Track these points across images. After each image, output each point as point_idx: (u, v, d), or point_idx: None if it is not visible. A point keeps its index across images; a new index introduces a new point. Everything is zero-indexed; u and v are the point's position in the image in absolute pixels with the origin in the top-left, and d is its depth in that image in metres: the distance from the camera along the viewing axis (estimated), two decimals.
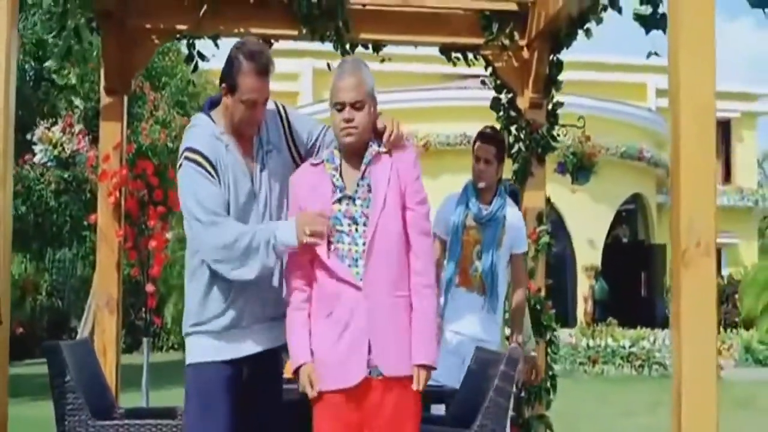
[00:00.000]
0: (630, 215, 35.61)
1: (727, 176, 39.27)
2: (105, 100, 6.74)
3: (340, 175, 3.91)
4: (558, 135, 6.96)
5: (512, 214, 6.11)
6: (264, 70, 3.96)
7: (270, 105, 4.16)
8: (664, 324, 31.79)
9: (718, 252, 37.40)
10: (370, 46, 7.09)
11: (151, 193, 7.10)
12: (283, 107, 4.28)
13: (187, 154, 3.94)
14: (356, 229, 3.86)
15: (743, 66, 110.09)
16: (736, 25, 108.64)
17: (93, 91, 14.81)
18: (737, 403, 15.90)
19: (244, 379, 4.04)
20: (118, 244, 6.68)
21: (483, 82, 7.35)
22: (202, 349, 4.02)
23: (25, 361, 20.40)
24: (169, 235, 7.23)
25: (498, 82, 7.17)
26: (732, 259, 37.78)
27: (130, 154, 7.33)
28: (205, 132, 4.01)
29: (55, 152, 6.82)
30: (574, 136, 7.31)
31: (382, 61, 7.10)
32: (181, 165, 3.96)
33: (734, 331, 27.13)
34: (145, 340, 8.55)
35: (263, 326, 4.06)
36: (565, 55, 6.96)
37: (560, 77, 6.96)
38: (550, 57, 6.85)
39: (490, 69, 7.10)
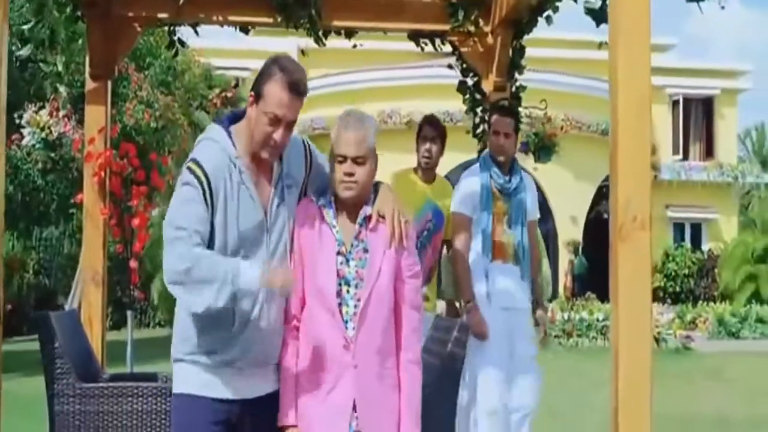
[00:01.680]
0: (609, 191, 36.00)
1: (709, 152, 39.57)
2: (90, 85, 7.07)
3: (337, 227, 3.81)
4: (521, 117, 7.32)
5: (530, 186, 6.36)
6: (296, 86, 3.64)
7: (298, 140, 3.93)
8: None
9: (699, 227, 38.03)
10: (342, 32, 7.43)
11: (134, 174, 7.44)
12: (309, 145, 4.02)
13: (189, 164, 3.64)
14: (347, 291, 3.76)
15: (729, 45, 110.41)
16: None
17: (79, 72, 15.08)
18: (707, 374, 16.37)
19: (234, 423, 3.74)
20: (103, 221, 7.02)
21: (450, 66, 7.70)
22: (192, 380, 3.74)
23: (13, 338, 20.69)
24: (155, 213, 7.58)
25: (464, 66, 7.52)
26: (712, 235, 38.14)
27: (114, 135, 7.65)
28: (218, 149, 3.68)
29: (43, 135, 7.17)
30: (536, 118, 7.67)
31: (354, 46, 7.47)
32: (183, 171, 3.69)
33: (713, 304, 27.58)
34: (129, 313, 8.92)
35: (264, 370, 3.79)
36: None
37: (523, 61, 7.31)
38: (513, 43, 7.19)
39: (456, 54, 7.46)
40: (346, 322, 3.74)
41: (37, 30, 6.55)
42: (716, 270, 34.92)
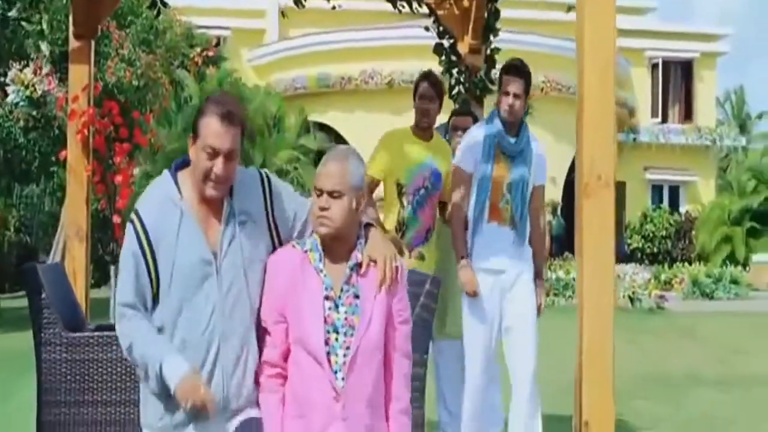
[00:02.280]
0: None
1: (687, 115, 39.81)
2: (73, 44, 7.18)
3: (325, 271, 3.63)
4: (494, 80, 7.49)
5: (536, 146, 6.15)
6: (228, 116, 3.56)
7: (252, 173, 3.82)
8: (625, 260, 32.67)
9: (677, 189, 38.29)
10: None
11: (117, 131, 7.57)
12: (267, 176, 3.85)
13: (131, 216, 3.65)
14: (336, 338, 3.57)
15: (711, 8, 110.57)
16: None
17: (60, 30, 15.11)
18: (680, 333, 16.65)
19: None
20: (86, 178, 7.17)
21: (426, 29, 7.86)
22: None
23: None
24: (136, 171, 7.74)
25: (440, 28, 7.69)
26: (690, 197, 38.53)
27: (96, 93, 7.78)
28: (158, 193, 3.68)
29: (27, 93, 7.26)
30: None
31: (333, 8, 7.61)
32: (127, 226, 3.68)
33: (688, 265, 27.92)
34: (112, 267, 9.10)
35: (227, 417, 3.66)
36: None
37: (499, 24, 7.48)
38: (488, 6, 7.36)
39: (432, 16, 7.61)
40: (335, 372, 3.54)
41: None
42: (693, 232, 35.30)
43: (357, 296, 3.61)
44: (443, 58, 7.72)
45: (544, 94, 29.03)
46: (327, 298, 3.59)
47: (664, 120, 39.53)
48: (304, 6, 7.51)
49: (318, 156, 28.34)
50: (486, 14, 7.35)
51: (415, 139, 6.51)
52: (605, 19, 4.53)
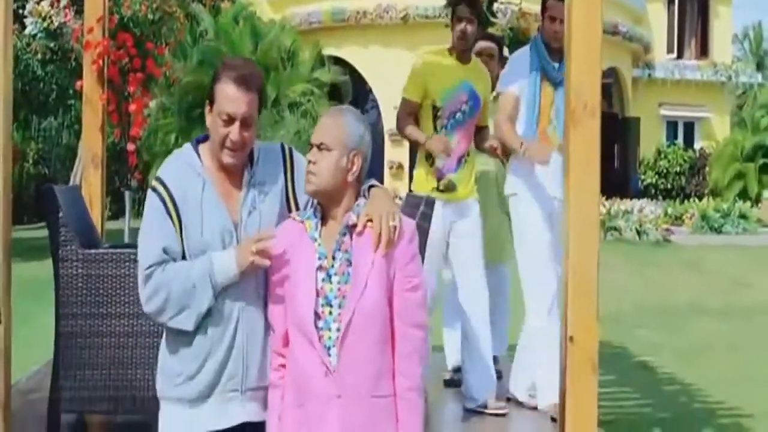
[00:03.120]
0: (607, 88, 36.22)
1: (704, 51, 39.68)
2: None
3: (320, 239, 3.40)
4: (496, 12, 7.67)
5: None
6: (242, 79, 3.46)
7: (274, 147, 3.74)
8: (638, 195, 32.82)
9: (691, 126, 38.30)
10: None
11: (131, 62, 7.80)
12: (290, 150, 3.76)
13: (153, 183, 3.56)
14: (330, 312, 3.32)
15: None
16: None
17: None
18: (686, 266, 16.93)
19: None
20: (101, 107, 7.42)
21: None
22: (173, 422, 3.59)
23: (15, 227, 21.17)
24: (152, 104, 7.95)
25: None
26: (705, 133, 38.47)
27: (112, 26, 8.00)
28: (181, 162, 3.59)
29: (45, 24, 7.47)
30: (513, 13, 8.01)
31: None
32: (148, 193, 3.60)
33: (697, 201, 28.04)
34: (126, 193, 9.39)
35: (248, 395, 3.54)
36: None
37: None
38: None
39: None
40: (329, 348, 3.29)
41: None
42: (707, 168, 35.38)
43: (350, 263, 3.33)
44: None
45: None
46: (320, 268, 3.35)
47: (680, 56, 39.34)
48: None
49: (332, 89, 28.53)
50: None
51: (452, 61, 6.19)
52: None
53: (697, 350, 10.25)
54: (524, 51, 6.16)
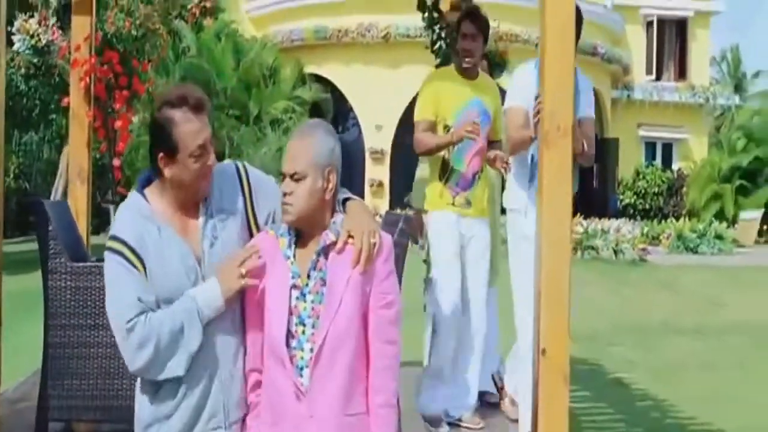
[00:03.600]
0: None
1: (682, 73, 40.17)
2: None
3: (294, 257, 3.32)
4: None
5: (585, 87, 6.04)
6: (198, 105, 3.34)
7: (227, 167, 3.56)
8: (616, 215, 33.12)
9: (670, 147, 38.66)
10: None
11: (117, 79, 7.95)
12: (244, 167, 3.60)
13: (108, 243, 3.34)
14: (303, 331, 3.26)
15: None
16: None
17: None
18: (660, 285, 17.14)
19: None
20: (88, 123, 7.57)
21: None
22: None
23: None
24: (134, 119, 8.11)
25: None
26: (683, 154, 38.94)
27: (96, 43, 8.15)
28: (132, 213, 3.40)
29: (33, 41, 7.60)
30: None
31: None
32: (104, 256, 3.38)
33: (674, 221, 28.35)
34: (111, 207, 9.54)
35: (233, 429, 3.42)
36: None
37: None
38: None
39: None
40: (301, 369, 3.25)
41: None
42: (684, 189, 35.77)
43: (325, 283, 3.27)
44: (426, 14, 8.13)
45: (536, 48, 29.22)
46: (294, 287, 3.28)
47: (659, 77, 39.85)
48: None
49: (313, 107, 28.72)
50: None
51: (460, 79, 6.21)
52: None
53: (670, 368, 10.44)
54: (527, 68, 6.09)
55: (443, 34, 7.87)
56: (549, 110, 4.88)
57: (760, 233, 28.06)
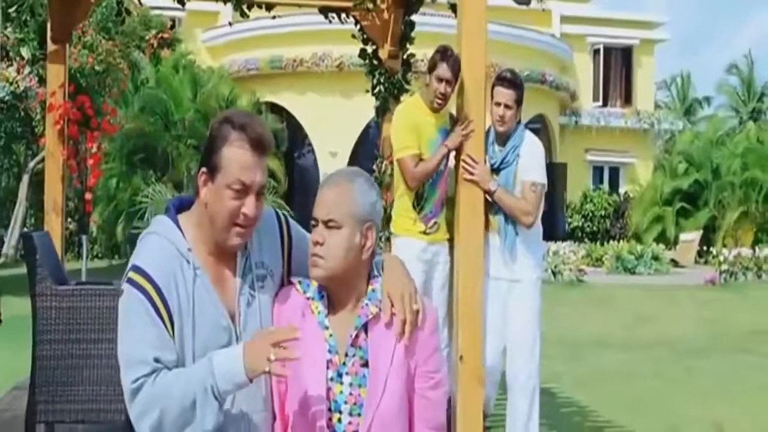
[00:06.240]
0: (535, 134, 37.41)
1: (627, 100, 41.42)
2: (51, 47, 8.42)
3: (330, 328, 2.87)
4: (410, 80, 8.77)
5: (526, 150, 6.21)
6: (259, 142, 2.81)
7: (269, 213, 3.04)
8: (564, 238, 34.10)
9: (617, 171, 39.67)
10: (263, 6, 8.82)
11: (88, 123, 8.81)
12: (285, 217, 3.12)
13: (131, 275, 2.81)
14: (339, 419, 2.81)
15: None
16: None
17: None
18: (595, 303, 18.05)
19: None
20: (62, 161, 8.41)
21: (353, 36, 9.14)
22: None
23: None
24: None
25: (365, 36, 8.95)
26: (629, 178, 40.00)
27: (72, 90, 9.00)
28: (163, 245, 2.86)
29: (12, 88, 8.41)
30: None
31: (273, 17, 8.90)
32: (123, 287, 2.85)
33: (613, 243, 29.33)
34: (84, 237, 10.38)
35: None
36: None
37: (412, 34, 8.73)
38: (404, 18, 8.63)
39: (358, 26, 8.91)
40: None
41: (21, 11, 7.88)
42: (628, 212, 36.84)
43: (366, 363, 2.83)
44: (367, 61, 9.00)
45: (488, 78, 30.22)
46: (329, 363, 2.82)
47: (605, 104, 41.05)
48: (248, 16, 8.68)
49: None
50: (402, 26, 8.62)
51: (428, 112, 6.35)
52: (477, 51, 5.50)
53: (595, 378, 11.26)
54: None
55: (382, 80, 8.72)
56: (466, 149, 5.52)
57: (700, 254, 29.10)
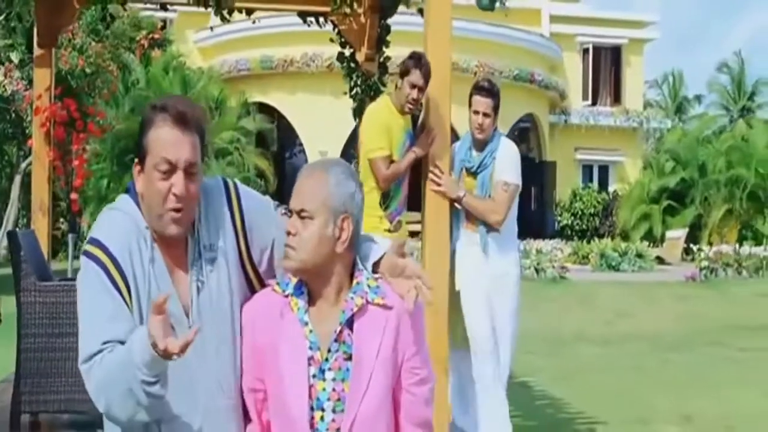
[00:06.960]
0: (524, 133, 37.91)
1: (616, 99, 41.72)
2: (38, 51, 8.67)
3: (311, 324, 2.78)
4: (386, 83, 9.02)
5: (501, 153, 6.32)
6: (181, 118, 2.71)
7: (214, 182, 2.93)
8: (553, 236, 34.37)
9: (606, 169, 40.01)
10: (243, 11, 9.06)
11: (74, 125, 9.07)
12: (234, 184, 2.96)
13: (87, 247, 2.76)
14: (321, 417, 2.74)
15: None
16: None
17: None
18: (577, 300, 18.31)
19: None
20: (48, 163, 8.66)
21: (331, 40, 9.39)
22: None
23: None
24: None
25: (342, 40, 9.19)
26: (618, 176, 40.39)
27: (58, 93, 9.25)
28: (123, 219, 2.78)
29: (0, 91, 8.66)
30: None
31: (254, 22, 9.15)
32: (81, 261, 2.79)
33: (598, 240, 29.52)
34: (70, 235, 10.64)
35: None
36: None
37: (388, 38, 8.96)
38: (380, 22, 8.86)
39: (336, 30, 9.16)
40: None
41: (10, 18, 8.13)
42: (616, 210, 37.14)
43: (349, 357, 2.76)
44: (344, 64, 9.25)
45: (474, 76, 30.59)
46: (311, 361, 2.75)
47: (594, 103, 41.37)
48: (229, 21, 8.92)
49: (258, 136, 29.73)
50: (379, 29, 8.86)
51: (398, 114, 6.37)
52: (442, 53, 5.78)
53: (572, 372, 11.52)
54: (459, 143, 6.47)
55: (359, 82, 8.97)
56: (431, 155, 5.88)
57: (687, 251, 29.38)
